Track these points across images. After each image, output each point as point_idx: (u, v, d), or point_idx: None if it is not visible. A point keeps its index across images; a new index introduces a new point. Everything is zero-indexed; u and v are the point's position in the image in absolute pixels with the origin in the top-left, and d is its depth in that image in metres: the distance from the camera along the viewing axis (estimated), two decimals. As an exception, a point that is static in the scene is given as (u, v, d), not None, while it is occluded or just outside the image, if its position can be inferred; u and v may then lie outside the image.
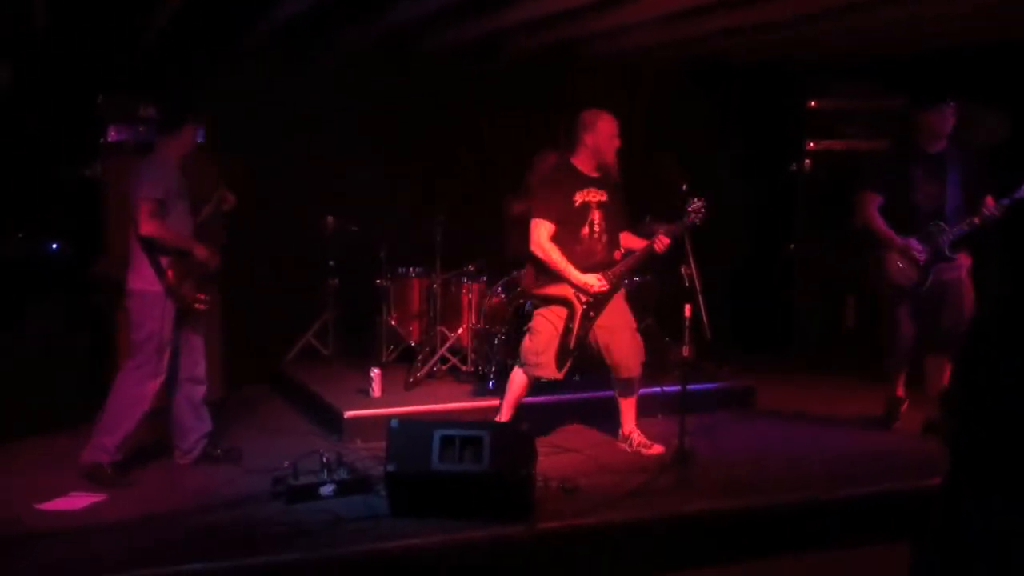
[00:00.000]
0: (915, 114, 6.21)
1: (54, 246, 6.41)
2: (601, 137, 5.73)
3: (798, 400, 7.40)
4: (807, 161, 8.61)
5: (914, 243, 6.12)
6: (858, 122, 8.49)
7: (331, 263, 7.90)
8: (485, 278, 7.48)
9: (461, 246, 7.57)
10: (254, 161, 7.36)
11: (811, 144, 8.58)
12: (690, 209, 5.58)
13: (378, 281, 7.71)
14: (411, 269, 7.88)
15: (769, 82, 9.02)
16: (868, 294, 8.36)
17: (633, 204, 6.06)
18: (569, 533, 4.78)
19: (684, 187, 5.61)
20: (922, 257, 6.11)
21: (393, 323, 7.75)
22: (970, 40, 7.55)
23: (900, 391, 6.58)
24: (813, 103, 8.54)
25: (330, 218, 7.69)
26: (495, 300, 7.33)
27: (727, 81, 9.04)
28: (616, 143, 5.78)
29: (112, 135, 6.68)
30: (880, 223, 6.23)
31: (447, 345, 7.40)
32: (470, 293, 7.44)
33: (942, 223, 6.08)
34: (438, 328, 7.49)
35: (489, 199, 7.82)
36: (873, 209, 6.26)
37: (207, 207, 5.74)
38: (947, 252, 6.08)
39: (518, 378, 5.85)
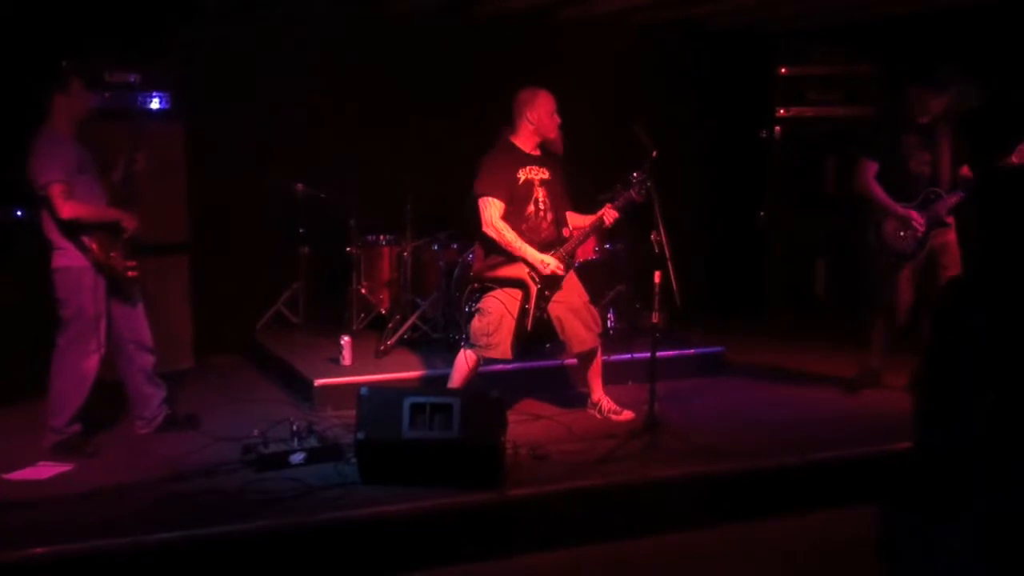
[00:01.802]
0: (916, 89, 6.26)
1: (19, 212, 6.33)
2: (542, 113, 5.66)
3: (769, 365, 7.45)
4: (777, 128, 8.62)
5: (914, 214, 6.21)
6: (828, 88, 8.51)
7: (301, 231, 7.85)
8: (456, 245, 7.46)
9: (432, 213, 7.54)
10: (223, 128, 7.31)
11: (781, 111, 8.59)
12: (633, 181, 5.56)
13: (348, 249, 7.68)
14: (381, 237, 7.85)
15: (739, 48, 9.01)
16: (838, 261, 8.46)
17: (603, 171, 6.04)
18: (539, 499, 4.81)
19: (655, 154, 5.58)
20: (922, 228, 6.21)
21: (363, 291, 7.73)
22: (940, 5, 7.56)
23: (877, 362, 6.59)
24: (783, 70, 8.55)
25: (300, 185, 7.64)
26: (466, 267, 7.31)
27: (698, 47, 9.02)
28: (557, 120, 5.73)
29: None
30: (879, 191, 6.30)
31: (417, 313, 7.39)
32: (441, 261, 7.42)
33: (939, 190, 6.21)
34: (409, 296, 7.48)
35: (460, 165, 7.78)
36: (871, 177, 6.33)
37: (116, 171, 5.58)
38: (944, 219, 6.23)
39: (467, 358, 5.74)
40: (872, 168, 6.33)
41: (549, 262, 5.62)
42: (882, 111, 7.79)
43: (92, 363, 5.38)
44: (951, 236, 6.30)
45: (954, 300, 2.79)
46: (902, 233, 6.28)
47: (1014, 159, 5.97)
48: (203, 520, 4.41)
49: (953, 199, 6.20)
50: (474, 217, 5.69)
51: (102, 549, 4.14)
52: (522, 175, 5.67)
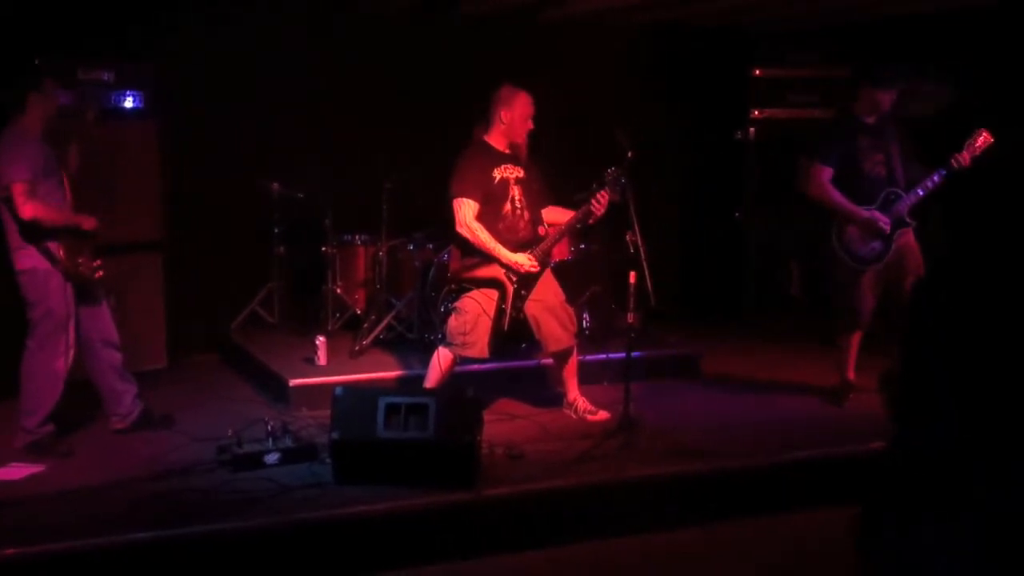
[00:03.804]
0: (864, 88, 6.19)
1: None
2: (516, 115, 5.66)
3: (744, 366, 7.46)
4: (752, 129, 8.65)
5: (878, 215, 6.08)
6: (803, 91, 8.55)
7: (276, 230, 7.83)
8: (432, 245, 7.45)
9: (408, 213, 7.53)
10: (198, 126, 7.27)
11: (756, 112, 8.62)
12: (607, 179, 5.51)
13: (324, 248, 7.66)
14: (357, 236, 7.83)
15: (715, 50, 9.04)
16: (813, 262, 8.49)
17: (580, 170, 6.05)
18: (514, 499, 4.82)
19: (630, 155, 5.57)
20: (888, 228, 6.07)
21: (339, 291, 7.70)
22: (914, 9, 7.63)
23: (851, 374, 6.47)
24: (758, 71, 8.58)
25: (275, 184, 7.61)
26: (442, 267, 7.30)
27: (674, 49, 9.04)
28: (529, 126, 5.71)
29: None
30: (838, 196, 6.13)
31: (392, 313, 7.38)
32: (416, 261, 7.41)
33: (898, 190, 6.11)
34: (384, 296, 7.46)
35: (437, 165, 7.77)
36: (826, 182, 6.16)
37: (72, 167, 5.56)
38: (907, 219, 6.11)
39: (443, 357, 5.73)
40: (826, 173, 6.14)
41: (523, 261, 5.62)
42: (836, 115, 7.81)
43: (62, 364, 5.35)
44: (911, 237, 6.19)
45: (921, 299, 2.81)
46: (866, 238, 6.14)
47: (965, 156, 5.93)
48: (177, 520, 4.40)
49: (913, 198, 6.06)
50: (449, 218, 5.68)
51: (75, 550, 4.12)
52: (497, 174, 5.67)
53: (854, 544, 2.74)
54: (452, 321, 5.73)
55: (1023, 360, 2.52)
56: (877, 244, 6.15)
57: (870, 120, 6.20)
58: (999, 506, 2.43)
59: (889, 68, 6.23)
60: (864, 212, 6.10)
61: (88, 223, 5.37)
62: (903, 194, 6.10)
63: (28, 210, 5.11)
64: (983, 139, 5.91)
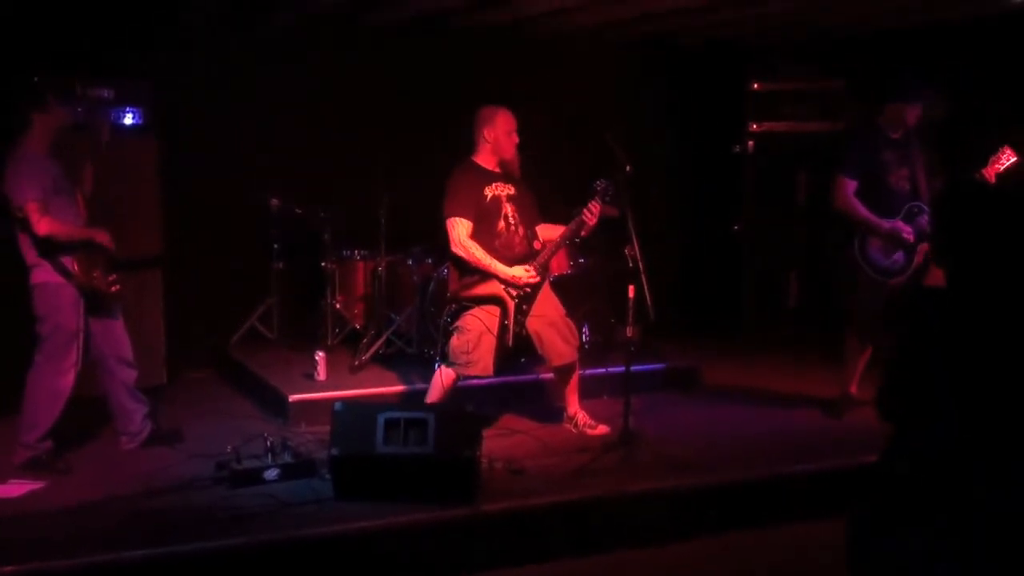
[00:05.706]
0: (890, 102, 6.19)
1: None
2: (499, 132, 5.67)
3: (743, 378, 7.47)
4: (750, 143, 8.67)
5: (901, 225, 6.08)
6: (800, 104, 8.56)
7: (275, 246, 7.83)
8: (431, 260, 7.45)
9: (407, 228, 7.53)
10: (198, 142, 7.28)
11: (753, 126, 8.64)
12: (597, 189, 5.51)
13: (323, 264, 7.66)
14: (356, 251, 7.83)
15: (712, 64, 9.07)
16: (813, 273, 8.51)
17: (576, 185, 6.05)
18: (514, 514, 4.81)
19: (629, 169, 5.57)
20: (912, 237, 6.07)
21: (338, 306, 7.70)
22: (908, 22, 7.66)
23: (854, 388, 6.47)
24: (755, 85, 8.60)
25: (274, 200, 7.62)
26: (441, 282, 7.29)
27: (671, 63, 9.08)
28: (514, 139, 5.73)
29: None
30: (861, 209, 6.13)
31: (392, 328, 7.38)
32: (415, 275, 7.41)
33: (921, 204, 6.11)
34: (383, 311, 7.46)
35: (435, 180, 7.78)
36: (851, 194, 6.16)
37: (87, 184, 5.58)
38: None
39: (445, 376, 5.72)
40: (851, 186, 6.15)
41: (520, 274, 5.61)
42: (852, 126, 7.81)
43: (68, 380, 5.35)
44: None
45: (921, 307, 2.83)
46: (889, 250, 6.13)
47: (989, 172, 5.93)
48: (175, 538, 4.38)
49: None
50: (445, 238, 5.69)
51: (74, 567, 4.11)
52: (489, 192, 5.68)
53: (847, 552, 2.73)
54: (455, 340, 5.72)
55: (1022, 362, 2.53)
56: (899, 257, 6.14)
57: (895, 135, 6.20)
58: (999, 506, 2.43)
59: (915, 83, 6.23)
60: (887, 223, 6.10)
61: (102, 237, 5.39)
62: (926, 208, 6.07)
63: (43, 226, 5.14)
64: (1007, 156, 5.89)
